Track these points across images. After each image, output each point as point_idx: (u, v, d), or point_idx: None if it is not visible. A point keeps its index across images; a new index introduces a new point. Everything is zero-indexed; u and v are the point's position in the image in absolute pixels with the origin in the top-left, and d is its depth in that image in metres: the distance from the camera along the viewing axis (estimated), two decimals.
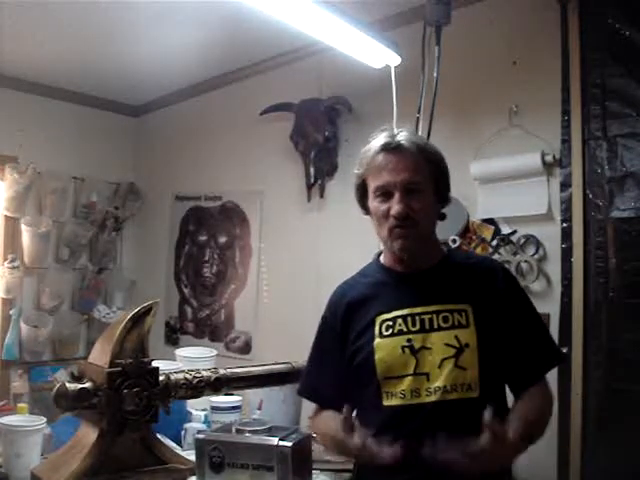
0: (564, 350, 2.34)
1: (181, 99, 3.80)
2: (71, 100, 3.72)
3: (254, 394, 2.11)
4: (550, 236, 2.46)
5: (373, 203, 1.44)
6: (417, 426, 1.34)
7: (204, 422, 2.10)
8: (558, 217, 2.45)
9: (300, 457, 1.56)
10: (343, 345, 1.47)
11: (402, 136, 1.43)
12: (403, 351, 1.38)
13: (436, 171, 1.45)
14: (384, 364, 1.39)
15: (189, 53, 3.17)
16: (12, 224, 3.51)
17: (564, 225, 2.42)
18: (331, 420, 1.45)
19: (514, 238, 2.55)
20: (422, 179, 1.42)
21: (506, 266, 2.42)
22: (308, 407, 1.62)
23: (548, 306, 2.41)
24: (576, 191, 2.39)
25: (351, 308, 1.49)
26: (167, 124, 3.97)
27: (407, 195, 1.39)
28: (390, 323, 1.41)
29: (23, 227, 3.47)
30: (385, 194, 1.41)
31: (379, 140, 1.44)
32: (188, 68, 3.41)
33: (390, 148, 1.42)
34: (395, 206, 1.39)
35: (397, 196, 1.39)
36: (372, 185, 1.44)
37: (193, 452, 1.65)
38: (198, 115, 3.75)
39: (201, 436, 1.62)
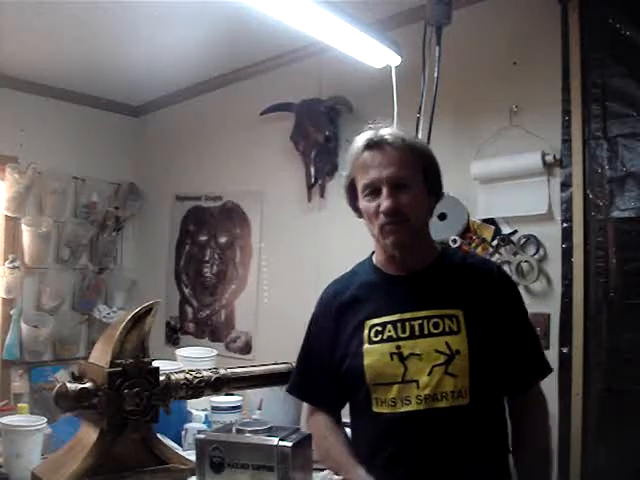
0: (564, 350, 2.34)
1: (181, 99, 3.80)
2: (71, 100, 3.72)
3: (254, 394, 2.11)
4: (550, 236, 2.46)
5: (362, 202, 1.41)
6: (408, 434, 1.33)
7: (204, 422, 2.10)
8: (558, 217, 2.45)
9: (301, 457, 1.55)
10: (333, 347, 1.46)
11: (385, 131, 1.40)
12: (392, 358, 1.36)
13: (424, 164, 1.41)
14: (373, 370, 1.37)
15: (189, 53, 3.17)
16: (12, 224, 3.51)
17: (564, 225, 2.42)
18: (335, 442, 1.45)
19: (514, 238, 2.55)
20: (410, 173, 1.38)
21: (506, 266, 2.44)
22: (308, 407, 1.62)
23: (549, 306, 2.41)
24: (576, 191, 2.39)
25: (342, 310, 1.47)
26: (167, 124, 3.97)
27: (395, 190, 1.36)
28: (379, 329, 1.39)
29: (23, 227, 3.47)
30: (373, 192, 1.38)
31: (362, 138, 1.42)
32: (188, 68, 3.41)
33: (374, 144, 1.39)
34: (384, 202, 1.36)
35: (385, 192, 1.36)
36: (360, 184, 1.41)
37: (193, 452, 1.64)
38: (198, 115, 3.75)
39: (201, 436, 1.61)
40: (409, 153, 1.39)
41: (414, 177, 1.39)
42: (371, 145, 1.40)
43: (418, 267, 1.44)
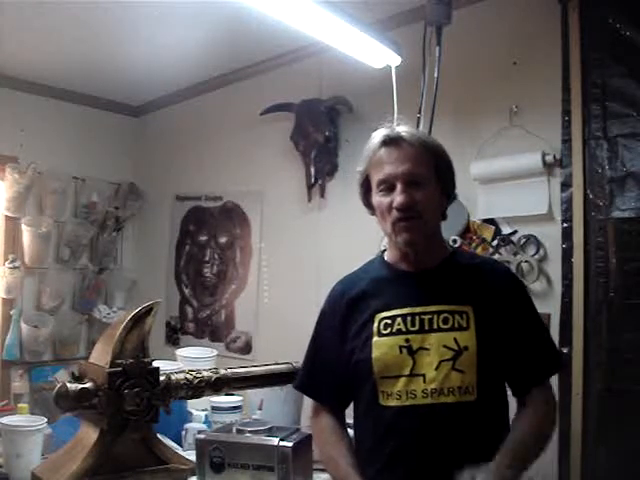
0: (564, 350, 2.34)
1: (181, 99, 3.81)
2: (71, 100, 3.72)
3: (255, 394, 2.11)
4: (551, 236, 2.46)
5: (376, 198, 1.42)
6: (413, 428, 1.34)
7: (205, 422, 2.10)
8: (559, 217, 2.45)
9: (301, 457, 1.56)
10: (342, 341, 1.46)
11: (402, 129, 1.41)
12: (400, 351, 1.36)
13: (439, 164, 1.42)
14: (381, 363, 1.37)
15: (189, 53, 3.17)
16: (13, 224, 3.51)
17: (564, 225, 2.42)
18: (339, 451, 1.44)
19: (514, 238, 2.55)
20: (425, 171, 1.39)
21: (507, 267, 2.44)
22: (309, 407, 1.62)
23: (549, 306, 2.41)
24: (576, 191, 2.39)
25: (351, 305, 1.47)
26: (167, 124, 3.97)
27: (410, 187, 1.37)
28: (389, 322, 1.40)
29: (24, 227, 3.47)
30: (388, 187, 1.39)
31: (379, 134, 1.43)
32: (188, 68, 3.41)
33: (390, 141, 1.40)
34: (397, 197, 1.36)
35: (399, 187, 1.37)
36: (375, 179, 1.42)
37: (193, 452, 1.65)
38: (198, 115, 3.75)
39: (201, 436, 1.62)
40: (425, 151, 1.40)
41: (428, 175, 1.40)
42: (387, 141, 1.40)
43: (429, 264, 1.45)
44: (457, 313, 1.37)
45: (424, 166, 1.39)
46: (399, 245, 1.42)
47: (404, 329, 1.38)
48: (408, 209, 1.36)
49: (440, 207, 1.45)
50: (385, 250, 1.54)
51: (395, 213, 1.37)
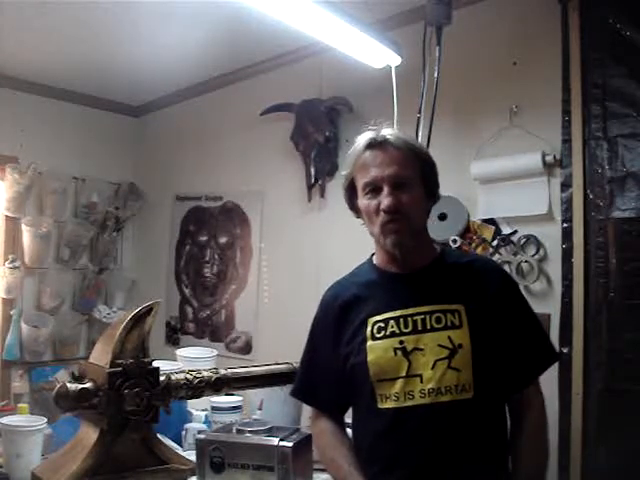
0: (565, 350, 2.34)
1: (181, 99, 3.81)
2: (71, 100, 3.73)
3: (255, 394, 2.11)
4: (551, 236, 2.46)
5: (363, 201, 1.43)
6: (412, 429, 1.34)
7: (205, 422, 2.10)
8: (559, 217, 2.45)
9: (301, 457, 1.56)
10: (337, 346, 1.47)
11: (387, 132, 1.42)
12: (395, 353, 1.37)
13: (424, 166, 1.43)
14: (376, 366, 1.38)
15: (189, 53, 3.17)
16: (13, 224, 3.51)
17: (565, 225, 2.42)
18: (340, 452, 1.45)
19: (514, 238, 2.55)
20: (410, 173, 1.40)
21: (506, 266, 2.44)
22: (309, 408, 1.62)
23: (549, 306, 2.41)
24: (577, 191, 2.39)
25: (344, 310, 1.48)
26: (167, 124, 3.97)
27: (396, 189, 1.38)
28: (382, 325, 1.40)
29: (24, 227, 3.47)
30: (374, 190, 1.40)
31: (364, 138, 1.44)
32: (188, 68, 3.41)
33: (376, 144, 1.41)
34: (384, 200, 1.37)
35: (386, 190, 1.38)
36: (360, 182, 1.43)
37: (194, 452, 1.65)
38: (198, 115, 3.75)
39: (202, 436, 1.62)
40: (410, 154, 1.41)
41: (414, 178, 1.41)
42: (373, 144, 1.42)
43: (419, 265, 1.45)
44: (449, 312, 1.37)
45: (410, 168, 1.40)
46: (387, 247, 1.42)
47: (397, 331, 1.38)
48: (396, 211, 1.37)
49: (425, 208, 1.47)
50: (374, 254, 1.54)
51: (383, 215, 1.38)
